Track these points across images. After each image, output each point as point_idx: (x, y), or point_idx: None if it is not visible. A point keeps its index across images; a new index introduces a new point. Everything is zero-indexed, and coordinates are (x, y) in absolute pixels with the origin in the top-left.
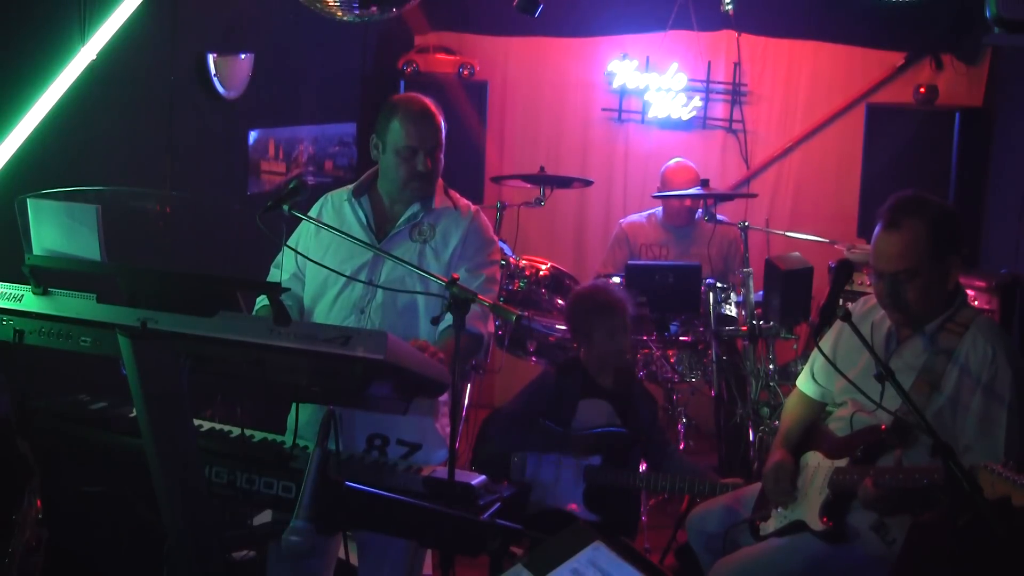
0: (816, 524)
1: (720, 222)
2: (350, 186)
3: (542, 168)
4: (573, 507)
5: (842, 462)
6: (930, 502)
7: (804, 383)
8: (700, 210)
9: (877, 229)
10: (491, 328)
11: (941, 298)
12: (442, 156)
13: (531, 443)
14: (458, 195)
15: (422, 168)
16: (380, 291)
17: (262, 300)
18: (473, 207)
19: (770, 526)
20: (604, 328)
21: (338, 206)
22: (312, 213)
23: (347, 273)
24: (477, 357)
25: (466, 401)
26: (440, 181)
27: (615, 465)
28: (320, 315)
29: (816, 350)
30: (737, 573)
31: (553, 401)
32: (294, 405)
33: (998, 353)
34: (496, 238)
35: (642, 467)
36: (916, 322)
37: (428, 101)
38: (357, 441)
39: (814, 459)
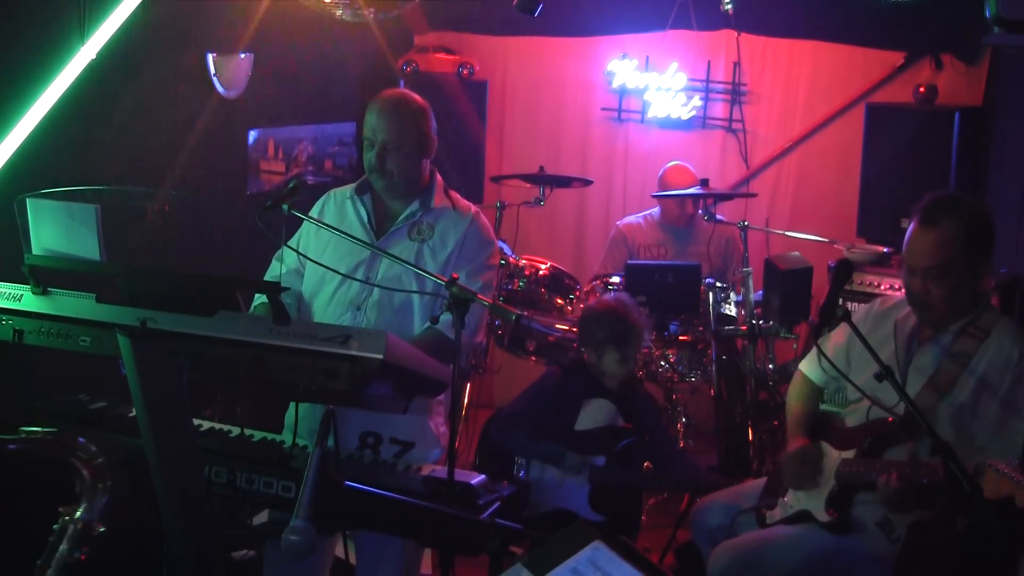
0: (822, 515)
1: (719, 222)
2: (354, 184)
3: (542, 168)
4: (570, 505)
5: (849, 453)
6: (938, 501)
7: (810, 369)
8: (700, 210)
9: (912, 225)
10: (480, 338)
11: (968, 300)
12: (400, 158)
13: (534, 446)
14: (458, 196)
15: (374, 163)
16: (376, 289)
17: (260, 298)
18: (473, 208)
19: (776, 515)
20: (617, 354)
21: (340, 203)
22: (315, 209)
23: (345, 270)
24: (445, 360)
25: (465, 400)
26: (440, 181)
27: (619, 465)
28: (318, 310)
29: (824, 340)
30: (740, 557)
31: (557, 401)
32: (292, 404)
33: None
34: (496, 240)
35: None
36: (940, 322)
37: (399, 99)
38: (350, 439)
39: (823, 449)
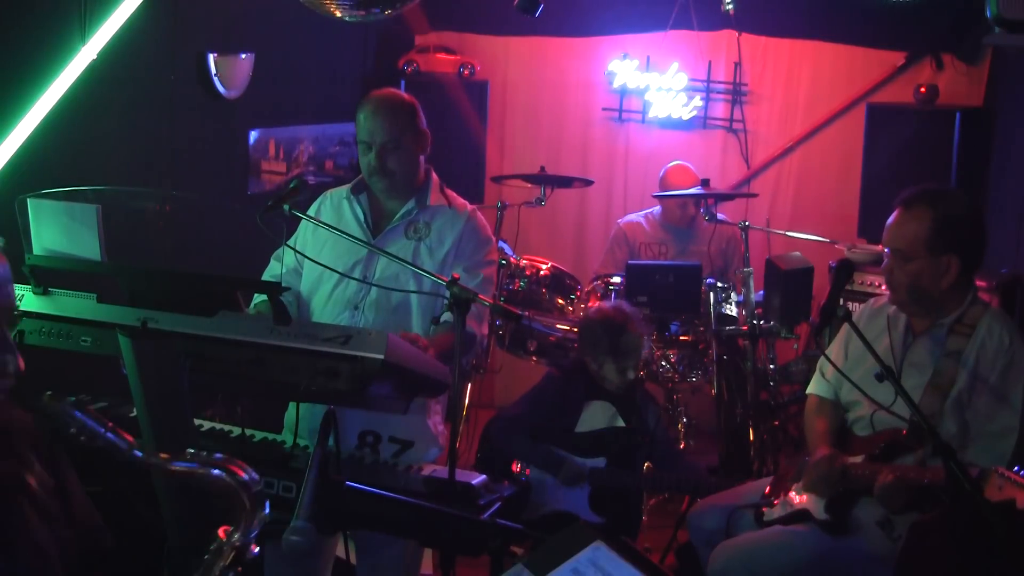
0: (820, 513)
1: (720, 222)
2: (350, 184)
3: (543, 168)
4: (570, 507)
5: (857, 458)
6: (938, 500)
7: (818, 387)
8: (702, 210)
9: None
10: (485, 331)
11: (932, 294)
12: (400, 155)
13: (533, 452)
14: (454, 194)
15: (375, 163)
16: (374, 288)
17: (258, 296)
18: (470, 206)
19: (774, 513)
20: (617, 365)
21: (337, 203)
22: (312, 209)
23: (342, 269)
24: (467, 357)
25: (466, 401)
26: (435, 179)
27: (619, 466)
28: (316, 310)
29: (828, 350)
30: (740, 556)
31: (557, 403)
32: (292, 404)
33: (1015, 339)
34: (493, 237)
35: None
36: (904, 307)
37: (391, 97)
38: (349, 437)
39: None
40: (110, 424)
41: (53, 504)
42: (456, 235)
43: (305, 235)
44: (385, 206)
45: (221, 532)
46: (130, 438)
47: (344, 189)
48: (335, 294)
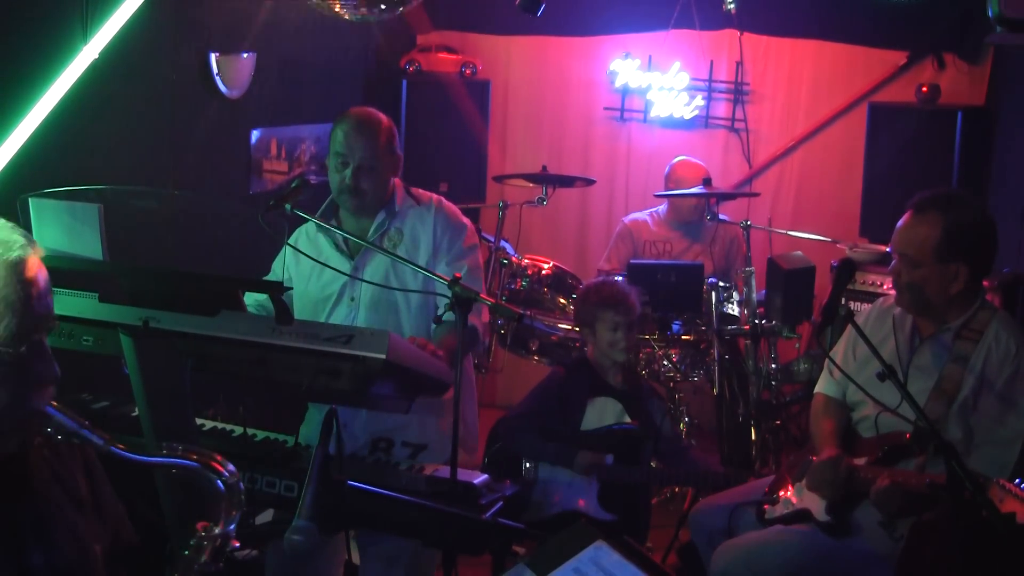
0: (822, 515)
1: (722, 221)
2: (317, 213)
3: (544, 167)
4: (581, 503)
5: (860, 460)
6: (938, 501)
7: (826, 386)
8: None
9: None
10: (485, 318)
11: (938, 300)
12: (375, 177)
13: (543, 448)
14: (419, 191)
15: (349, 182)
16: (362, 310)
17: (253, 302)
18: (435, 197)
19: (776, 511)
20: (608, 320)
21: (313, 236)
22: (292, 241)
23: (332, 296)
24: (475, 349)
25: None
26: (398, 181)
27: (627, 462)
28: None
29: (833, 353)
30: (741, 555)
31: (562, 401)
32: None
33: (1022, 347)
34: (467, 221)
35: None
36: (908, 307)
37: (372, 117)
38: (361, 445)
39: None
40: (86, 422)
41: (86, 497)
42: (428, 232)
43: (288, 271)
44: (357, 225)
45: (199, 527)
46: (106, 435)
47: (312, 221)
48: (330, 321)
